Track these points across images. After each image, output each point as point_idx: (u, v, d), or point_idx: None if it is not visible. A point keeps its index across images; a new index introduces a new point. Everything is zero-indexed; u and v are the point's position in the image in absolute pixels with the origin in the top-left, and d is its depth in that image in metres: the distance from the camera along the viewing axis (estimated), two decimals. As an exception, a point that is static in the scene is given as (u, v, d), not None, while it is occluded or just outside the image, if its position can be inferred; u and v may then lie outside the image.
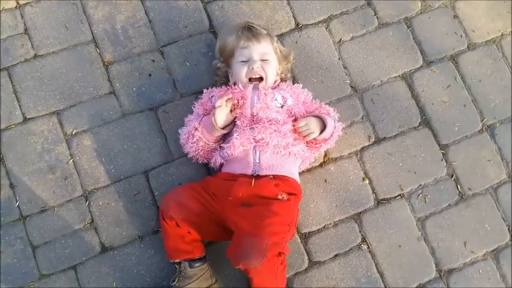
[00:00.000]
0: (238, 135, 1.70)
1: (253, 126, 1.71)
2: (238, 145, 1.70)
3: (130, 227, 1.87)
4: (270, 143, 1.69)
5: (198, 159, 1.84)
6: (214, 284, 1.76)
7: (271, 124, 1.70)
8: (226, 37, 1.85)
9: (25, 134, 1.93)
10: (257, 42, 1.80)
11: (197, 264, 1.73)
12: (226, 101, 1.72)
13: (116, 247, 1.86)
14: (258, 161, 1.70)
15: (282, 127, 1.71)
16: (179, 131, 1.84)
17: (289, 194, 1.70)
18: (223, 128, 1.73)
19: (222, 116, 1.72)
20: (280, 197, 1.66)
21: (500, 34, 2.15)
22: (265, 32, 1.85)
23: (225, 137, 1.79)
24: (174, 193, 1.75)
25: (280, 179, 1.70)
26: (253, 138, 1.69)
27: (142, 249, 1.86)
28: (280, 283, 1.70)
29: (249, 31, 1.82)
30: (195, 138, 1.75)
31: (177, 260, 1.73)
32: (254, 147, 1.70)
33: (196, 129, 1.75)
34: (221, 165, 1.82)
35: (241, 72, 1.78)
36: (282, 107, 1.77)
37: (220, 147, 1.78)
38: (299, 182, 1.80)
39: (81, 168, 1.91)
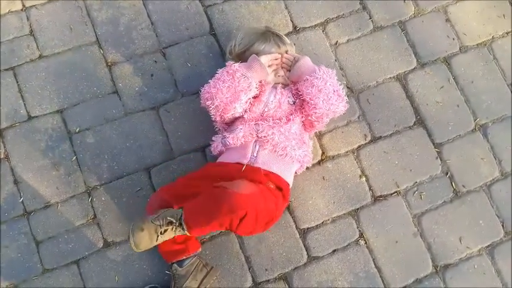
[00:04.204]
0: (242, 128, 1.76)
1: (259, 122, 1.77)
2: (240, 137, 1.75)
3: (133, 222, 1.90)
4: (270, 142, 1.74)
5: (222, 105, 1.78)
6: (210, 271, 1.79)
7: (275, 123, 1.76)
8: (253, 41, 1.88)
9: (30, 132, 1.97)
10: (284, 50, 1.90)
11: (186, 262, 1.75)
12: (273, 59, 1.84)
13: (118, 242, 1.89)
14: (255, 155, 1.75)
15: (285, 125, 1.76)
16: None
17: (278, 188, 1.75)
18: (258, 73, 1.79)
19: (264, 60, 1.81)
20: (268, 184, 1.71)
21: (491, 37, 2.22)
22: (289, 41, 1.96)
23: (229, 127, 1.86)
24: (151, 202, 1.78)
25: (270, 174, 1.74)
26: (256, 134, 1.75)
27: (144, 245, 1.89)
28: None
29: (279, 39, 1.90)
30: (231, 69, 1.77)
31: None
32: (255, 141, 1.76)
33: (233, 65, 1.78)
34: (219, 153, 1.86)
35: (268, 78, 1.86)
36: (294, 103, 1.85)
37: (223, 136, 1.82)
38: (290, 186, 1.83)
39: (84, 165, 1.95)
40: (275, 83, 1.89)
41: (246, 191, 1.56)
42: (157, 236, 1.60)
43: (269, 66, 1.84)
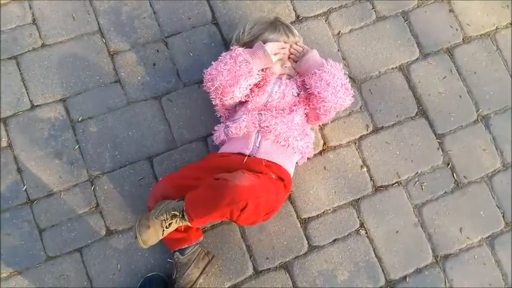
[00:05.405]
0: (245, 117, 1.77)
1: (262, 112, 1.77)
2: (243, 126, 1.76)
3: (135, 210, 1.92)
4: (272, 132, 1.74)
5: (222, 90, 1.78)
6: (212, 260, 1.80)
7: (278, 114, 1.76)
8: (262, 30, 1.87)
9: (33, 121, 1.98)
10: (293, 41, 1.90)
11: (188, 250, 1.77)
12: (280, 47, 1.84)
13: (121, 230, 1.91)
14: (257, 145, 1.76)
15: (287, 116, 1.76)
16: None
17: (279, 178, 1.76)
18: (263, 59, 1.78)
19: (270, 47, 1.80)
20: (270, 174, 1.72)
21: (495, 28, 2.21)
22: (298, 33, 1.96)
23: (232, 117, 1.87)
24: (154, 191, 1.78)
25: (272, 165, 1.75)
26: (259, 124, 1.75)
27: (146, 233, 1.90)
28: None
29: (289, 30, 1.91)
30: (234, 53, 1.78)
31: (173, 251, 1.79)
32: (258, 131, 1.76)
33: (237, 49, 1.79)
34: (221, 143, 1.88)
35: (274, 68, 1.87)
36: (298, 95, 1.85)
37: (226, 125, 1.83)
38: (291, 176, 1.84)
39: (87, 154, 1.96)
40: (280, 74, 1.89)
41: (246, 183, 1.57)
42: (163, 230, 1.63)
43: (275, 54, 1.83)
